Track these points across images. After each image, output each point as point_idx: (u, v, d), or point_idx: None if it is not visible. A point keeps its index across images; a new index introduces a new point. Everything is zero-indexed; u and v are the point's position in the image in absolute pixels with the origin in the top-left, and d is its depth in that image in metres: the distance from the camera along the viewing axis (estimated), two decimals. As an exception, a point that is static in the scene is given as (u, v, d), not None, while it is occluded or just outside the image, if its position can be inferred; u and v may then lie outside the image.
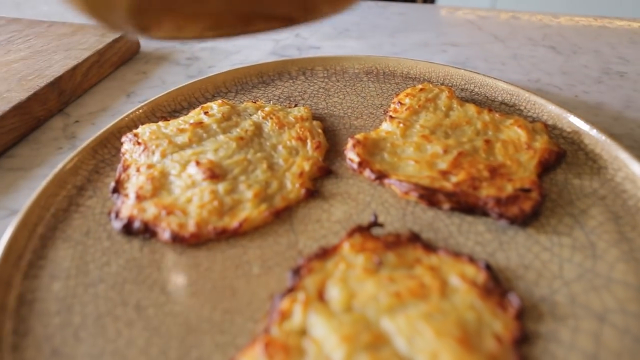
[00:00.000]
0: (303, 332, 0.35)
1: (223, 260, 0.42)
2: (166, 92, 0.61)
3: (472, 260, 0.39)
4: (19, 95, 0.58)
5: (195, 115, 0.56)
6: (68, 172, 0.49)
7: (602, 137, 0.51)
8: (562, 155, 0.50)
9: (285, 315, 0.36)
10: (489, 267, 0.38)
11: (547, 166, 0.49)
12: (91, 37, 0.72)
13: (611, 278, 0.39)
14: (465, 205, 0.44)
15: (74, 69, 0.65)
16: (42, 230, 0.45)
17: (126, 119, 0.57)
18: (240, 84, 0.65)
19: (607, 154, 0.50)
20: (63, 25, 0.76)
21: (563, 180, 0.48)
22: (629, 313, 0.36)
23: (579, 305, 0.37)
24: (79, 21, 0.76)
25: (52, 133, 0.61)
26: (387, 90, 0.63)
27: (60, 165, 0.49)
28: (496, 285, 0.37)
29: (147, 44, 0.81)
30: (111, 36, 0.72)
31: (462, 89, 0.62)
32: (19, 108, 0.57)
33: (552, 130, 0.55)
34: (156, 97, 0.60)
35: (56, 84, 0.63)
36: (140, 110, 0.58)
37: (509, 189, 0.45)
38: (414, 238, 0.41)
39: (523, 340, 0.35)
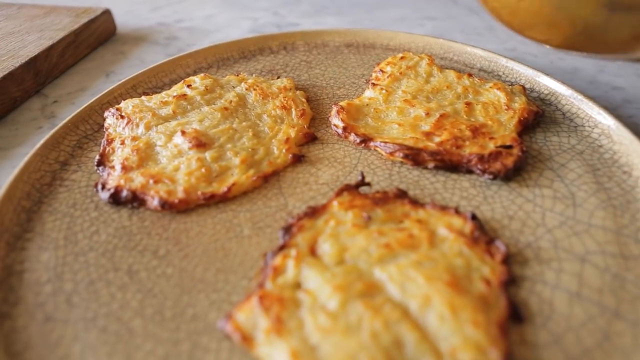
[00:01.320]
0: (297, 285, 0.35)
1: (213, 224, 0.42)
2: (147, 68, 0.60)
3: (458, 212, 0.40)
4: (-6, 75, 0.57)
5: (178, 89, 0.55)
6: (49, 148, 0.49)
7: (578, 97, 0.53)
8: (540, 115, 0.51)
9: (278, 271, 0.36)
10: (475, 218, 0.39)
11: (527, 125, 0.50)
12: (65, 18, 0.71)
13: (591, 224, 0.40)
14: (450, 163, 0.45)
15: (50, 49, 0.64)
16: (27, 204, 0.44)
17: (107, 95, 0.56)
18: (222, 60, 0.65)
19: (583, 113, 0.52)
20: (34, 8, 0.75)
21: (542, 138, 0.50)
22: (608, 254, 0.38)
23: (562, 249, 0.38)
24: (50, 3, 0.75)
25: (30, 113, 0.60)
26: (368, 61, 0.63)
27: (41, 142, 0.49)
28: (482, 234, 0.39)
29: (124, 24, 0.79)
30: (86, 17, 0.71)
31: (441, 58, 0.63)
32: (-5, 88, 0.56)
33: (530, 93, 0.56)
34: (136, 73, 0.59)
35: (31, 64, 0.61)
36: (122, 87, 0.57)
37: (491, 146, 0.47)
38: (401, 194, 0.42)
39: (510, 282, 0.36)
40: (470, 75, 0.56)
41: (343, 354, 0.30)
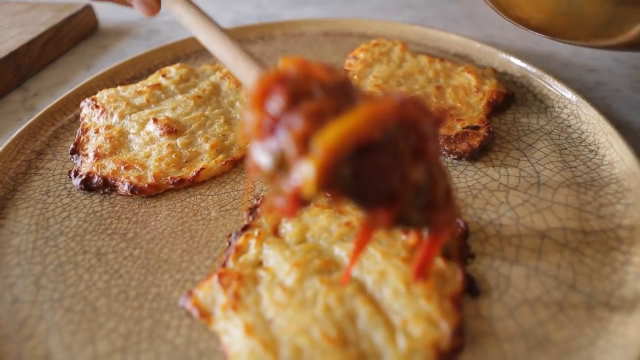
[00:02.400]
0: (258, 263, 0.36)
1: (182, 207, 0.43)
2: (125, 59, 0.61)
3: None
4: (-26, 69, 0.58)
5: (153, 78, 0.56)
6: (26, 138, 0.50)
7: (549, 79, 0.53)
8: (510, 97, 0.52)
9: (240, 250, 0.37)
10: (437, 196, 0.40)
11: (496, 107, 0.50)
12: (47, 14, 0.71)
13: (554, 201, 0.41)
14: (417, 145, 0.46)
15: (30, 43, 0.65)
16: (1, 192, 0.45)
17: (84, 86, 0.57)
18: (199, 51, 0.65)
19: (553, 94, 0.52)
20: (17, 4, 0.75)
21: (512, 120, 0.50)
22: (568, 229, 0.38)
23: (523, 226, 0.39)
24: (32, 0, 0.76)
25: (10, 106, 0.60)
26: (343, 49, 0.64)
27: (17, 131, 0.49)
28: (444, 212, 0.39)
29: (106, 19, 0.80)
30: (67, 12, 0.72)
31: (417, 45, 0.64)
32: (-25, 82, 0.57)
33: (502, 76, 0.56)
34: (115, 64, 0.60)
35: (12, 59, 0.62)
36: (99, 78, 0.58)
37: (458, 128, 0.47)
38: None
39: (469, 258, 0.36)
40: (442, 60, 0.56)
41: (296, 327, 0.31)
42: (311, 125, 0.23)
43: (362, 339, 0.30)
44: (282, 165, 0.24)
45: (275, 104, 0.25)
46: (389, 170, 0.24)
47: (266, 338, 0.30)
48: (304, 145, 0.23)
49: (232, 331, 0.31)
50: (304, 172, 0.22)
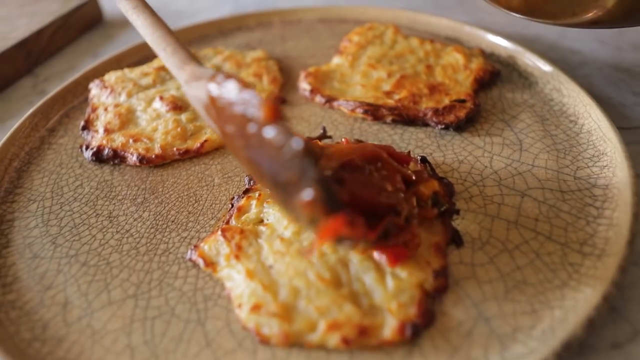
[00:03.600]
0: (259, 221, 0.39)
1: (187, 175, 0.46)
2: (131, 45, 0.64)
3: (409, 155, 0.43)
4: (-14, 56, 0.61)
5: (159, 61, 0.59)
6: (39, 116, 0.53)
7: (534, 58, 0.56)
8: (496, 74, 0.55)
9: (242, 210, 0.40)
10: (425, 161, 0.43)
11: (483, 83, 0.53)
12: (54, 4, 0.74)
13: (534, 165, 0.44)
14: (407, 117, 0.49)
15: (39, 32, 0.68)
16: (17, 165, 0.48)
17: (93, 70, 0.60)
18: (201, 37, 0.68)
19: (538, 71, 0.55)
20: (26, -4, 0.79)
21: (497, 95, 0.53)
22: (547, 189, 0.41)
23: (505, 187, 0.42)
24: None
25: (22, 91, 0.64)
26: (339, 34, 0.67)
27: (30, 110, 0.52)
28: (432, 174, 0.42)
29: (112, 11, 0.83)
30: (74, 2, 0.75)
31: (409, 29, 0.67)
32: (-13, 68, 0.60)
33: (490, 56, 0.59)
34: (122, 50, 0.63)
35: (22, 46, 0.65)
36: (107, 62, 0.61)
37: (446, 101, 0.50)
38: (357, 142, 0.45)
39: (454, 213, 0.39)
40: (432, 41, 0.59)
41: (293, 271, 0.33)
42: None
43: (354, 280, 0.33)
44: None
45: None
46: (371, 183, 0.32)
47: (266, 280, 0.33)
48: None
49: (235, 277, 0.34)
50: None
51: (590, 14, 0.40)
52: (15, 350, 0.32)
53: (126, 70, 0.57)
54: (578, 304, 0.32)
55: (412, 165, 0.42)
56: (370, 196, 0.32)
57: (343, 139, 0.39)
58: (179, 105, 0.51)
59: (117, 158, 0.47)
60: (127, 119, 0.51)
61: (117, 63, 0.62)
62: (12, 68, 0.64)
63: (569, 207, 0.39)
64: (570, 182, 0.42)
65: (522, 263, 0.35)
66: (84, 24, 0.77)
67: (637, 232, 0.36)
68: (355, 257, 0.34)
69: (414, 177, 0.37)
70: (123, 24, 0.81)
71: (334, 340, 0.30)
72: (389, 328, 0.31)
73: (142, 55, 0.64)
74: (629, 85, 0.56)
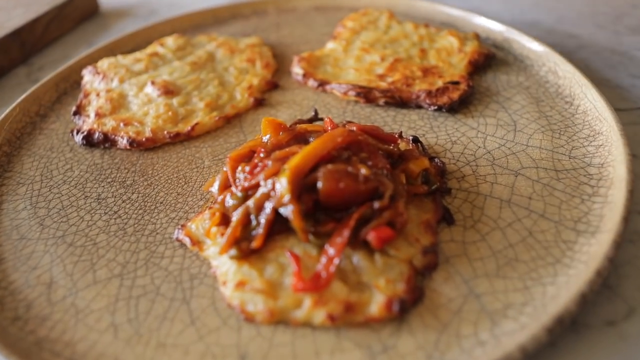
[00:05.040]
0: (247, 201, 0.38)
1: (177, 158, 0.45)
2: (126, 33, 0.64)
3: (401, 136, 0.43)
4: (-19, 45, 0.61)
5: (151, 48, 0.59)
6: (30, 102, 0.52)
7: (529, 41, 0.55)
8: (490, 57, 0.54)
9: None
10: (416, 141, 0.42)
11: (477, 66, 0.53)
12: (50, -5, 0.74)
13: (529, 145, 0.43)
14: (399, 99, 0.48)
15: (34, 21, 0.68)
16: (7, 149, 0.47)
17: (86, 57, 0.59)
18: (196, 25, 0.68)
19: (533, 54, 0.54)
20: (22, -13, 0.79)
21: (492, 77, 0.52)
22: (541, 168, 0.40)
23: (498, 166, 0.41)
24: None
25: (16, 79, 0.63)
26: (333, 21, 0.66)
27: (22, 97, 0.52)
28: (424, 153, 0.41)
29: (107, 2, 0.83)
30: (70, -7, 0.75)
31: (405, 15, 0.66)
32: (-18, 56, 0.60)
33: (485, 40, 0.59)
34: (116, 37, 0.63)
35: (17, 35, 0.65)
36: (101, 50, 0.61)
37: (440, 83, 0.49)
38: (349, 123, 0.45)
39: (446, 192, 0.38)
40: (426, 25, 0.58)
41: (281, 249, 0.33)
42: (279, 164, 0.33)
43: (342, 257, 0.33)
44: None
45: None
46: (346, 174, 0.32)
47: (252, 258, 0.33)
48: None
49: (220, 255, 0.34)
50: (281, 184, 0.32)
51: None
52: (-2, 328, 0.31)
53: (119, 57, 0.57)
54: (571, 279, 0.31)
55: (403, 145, 0.42)
56: (347, 187, 0.32)
57: (326, 118, 0.38)
58: (170, 90, 0.50)
59: (107, 142, 0.47)
60: (118, 103, 0.50)
61: (111, 51, 0.61)
62: (6, 57, 0.64)
63: (564, 185, 0.39)
64: (565, 162, 0.41)
65: (515, 240, 0.35)
66: (79, 14, 0.76)
67: (632, 209, 0.36)
68: (343, 235, 0.33)
69: (398, 153, 0.36)
70: (119, 14, 0.80)
71: (319, 317, 0.30)
72: (376, 304, 0.30)
73: (135, 43, 0.64)
74: (626, 68, 0.55)
